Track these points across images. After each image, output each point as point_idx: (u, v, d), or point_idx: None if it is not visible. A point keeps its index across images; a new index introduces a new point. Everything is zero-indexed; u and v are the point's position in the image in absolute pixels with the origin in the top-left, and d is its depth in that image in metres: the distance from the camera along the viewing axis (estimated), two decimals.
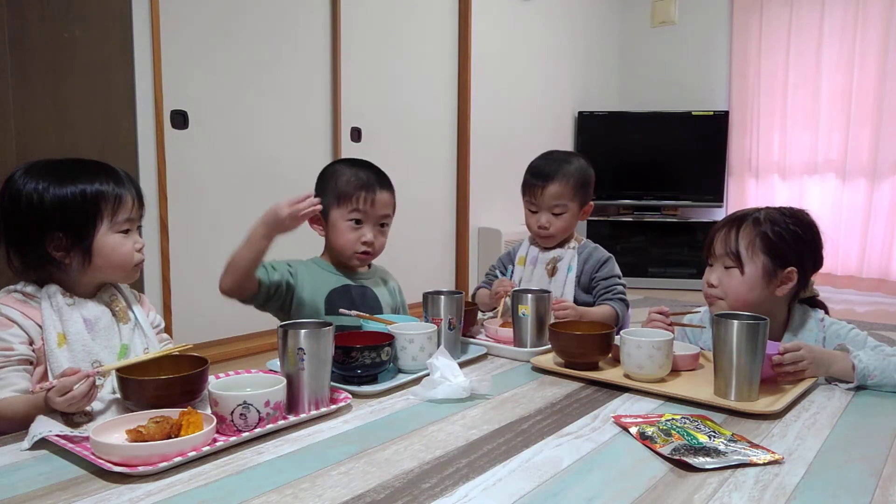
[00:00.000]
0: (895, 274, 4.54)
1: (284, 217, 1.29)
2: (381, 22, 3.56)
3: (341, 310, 1.39)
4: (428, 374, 1.16)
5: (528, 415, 1.07)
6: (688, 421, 1.00)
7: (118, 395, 1.03)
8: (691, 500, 0.79)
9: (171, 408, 0.94)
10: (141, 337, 1.18)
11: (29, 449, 0.90)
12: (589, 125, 5.11)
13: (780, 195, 4.87)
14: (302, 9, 3.16)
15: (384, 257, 1.58)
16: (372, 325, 1.33)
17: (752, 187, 5.06)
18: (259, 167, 3.00)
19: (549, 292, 1.46)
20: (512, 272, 1.81)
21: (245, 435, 0.93)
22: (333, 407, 1.05)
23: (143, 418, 0.91)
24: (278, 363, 1.06)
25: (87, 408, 1.00)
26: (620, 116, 5.18)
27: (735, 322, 1.10)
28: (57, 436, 0.89)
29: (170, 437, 0.87)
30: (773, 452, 0.90)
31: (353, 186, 1.48)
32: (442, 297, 1.36)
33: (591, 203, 1.82)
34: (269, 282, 1.41)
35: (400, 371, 1.26)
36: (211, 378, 1.04)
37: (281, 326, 1.04)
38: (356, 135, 3.45)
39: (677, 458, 0.88)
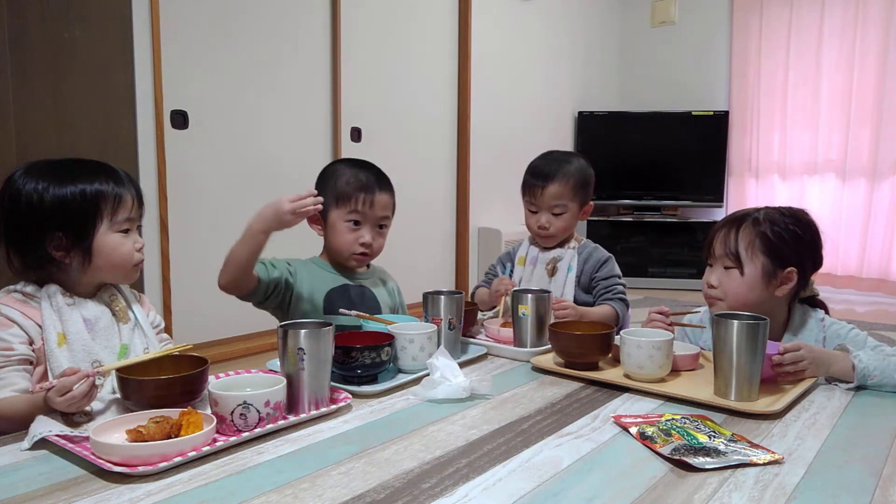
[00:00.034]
0: (895, 274, 4.55)
1: (286, 212, 1.29)
2: (381, 22, 3.56)
3: (341, 310, 1.39)
4: (428, 374, 1.16)
5: (528, 415, 1.07)
6: (688, 421, 1.00)
7: (118, 395, 1.03)
8: (691, 500, 0.79)
9: (171, 408, 0.94)
10: (141, 337, 1.18)
11: (29, 449, 0.90)
12: (589, 125, 5.11)
13: (780, 195, 4.87)
14: (302, 9, 3.16)
15: (384, 257, 1.58)
16: (372, 325, 1.33)
17: (752, 187, 5.06)
18: (259, 167, 3.00)
19: (549, 292, 1.46)
20: (511, 272, 1.81)
21: (245, 435, 0.93)
22: (333, 407, 1.05)
23: (143, 418, 0.91)
24: (278, 363, 1.06)
25: (87, 408, 1.00)
26: (620, 116, 5.18)
27: (735, 322, 1.10)
28: (57, 436, 0.89)
29: (170, 437, 0.87)
30: (773, 452, 0.90)
31: (352, 187, 1.48)
32: (442, 297, 1.36)
33: (591, 203, 1.82)
34: (269, 279, 1.41)
35: (400, 371, 1.26)
36: (211, 378, 1.04)
37: (281, 326, 1.04)
38: (356, 135, 3.45)
39: (677, 458, 0.88)
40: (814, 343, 1.30)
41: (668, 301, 4.13)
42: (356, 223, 1.49)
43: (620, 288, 1.75)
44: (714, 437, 0.95)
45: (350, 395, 1.10)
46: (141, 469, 0.81)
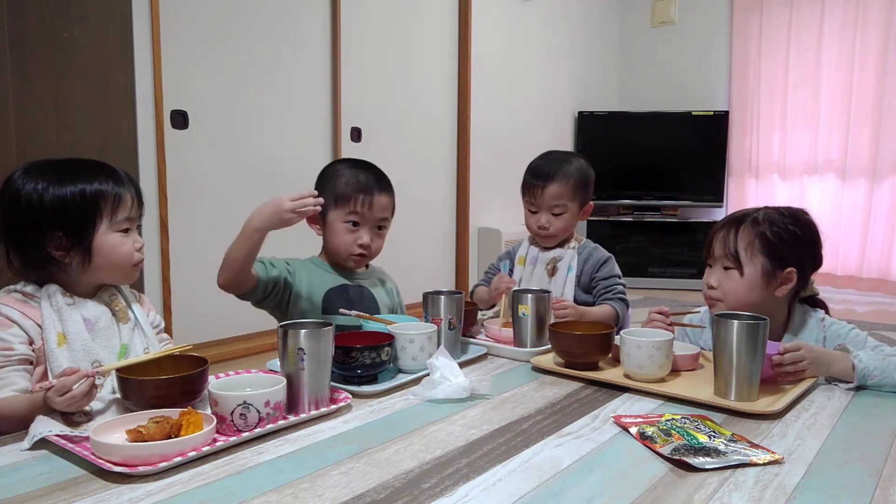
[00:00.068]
0: (895, 274, 4.55)
1: (286, 210, 1.29)
2: (381, 22, 3.56)
3: (341, 310, 1.39)
4: (428, 374, 1.16)
5: (528, 415, 1.07)
6: (688, 421, 1.00)
7: (118, 395, 1.03)
8: (691, 500, 0.79)
9: (171, 408, 0.94)
10: (141, 337, 1.18)
11: (29, 449, 0.90)
12: (589, 125, 5.11)
13: (780, 195, 4.87)
14: (302, 9, 3.16)
15: (384, 257, 1.58)
16: (372, 325, 1.33)
17: (752, 187, 5.06)
18: (259, 167, 3.00)
19: (549, 292, 1.46)
20: (511, 271, 1.81)
21: (245, 435, 0.93)
22: (333, 407, 1.05)
23: (143, 418, 0.91)
24: (278, 363, 1.06)
25: (87, 407, 1.00)
26: (620, 116, 5.18)
27: (735, 322, 1.10)
28: (57, 436, 0.89)
29: (170, 437, 0.87)
30: (773, 452, 0.90)
31: (351, 188, 1.48)
32: (442, 297, 1.36)
33: (591, 203, 1.82)
34: (267, 278, 1.41)
35: (400, 371, 1.26)
36: (211, 378, 1.04)
37: (281, 326, 1.04)
38: (356, 135, 3.45)
39: (677, 458, 0.88)
40: (814, 343, 1.30)
41: (668, 301, 4.13)
42: (355, 224, 1.49)
43: (620, 288, 1.75)
44: (714, 437, 0.95)
45: (350, 395, 1.10)
46: (141, 469, 0.81)
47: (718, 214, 4.96)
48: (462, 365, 1.27)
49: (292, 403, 1.02)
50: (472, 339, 1.50)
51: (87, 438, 0.87)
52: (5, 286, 1.13)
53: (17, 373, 1.04)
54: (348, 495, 0.79)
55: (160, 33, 2.60)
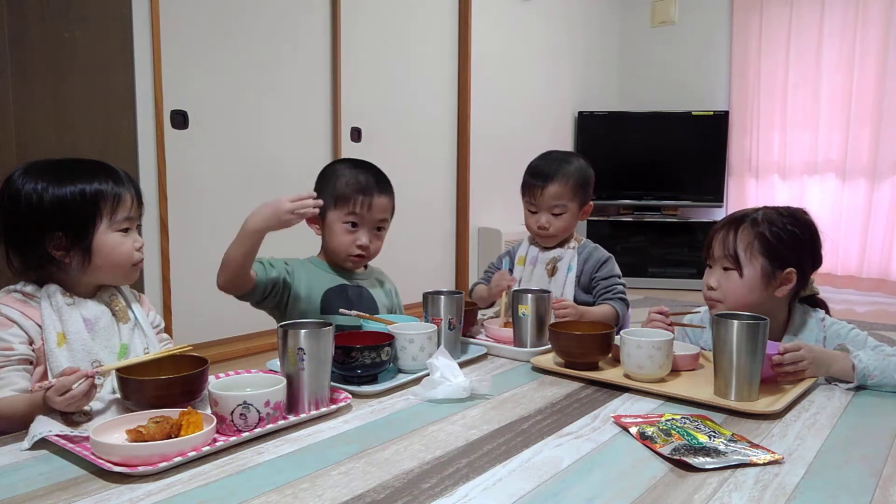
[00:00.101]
0: (895, 274, 4.55)
1: (286, 211, 1.29)
2: (381, 22, 3.56)
3: (341, 310, 1.39)
4: (428, 374, 1.16)
5: (528, 415, 1.07)
6: (688, 421, 1.00)
7: (118, 395, 1.03)
8: (691, 500, 0.79)
9: (171, 408, 0.94)
10: (141, 337, 1.18)
11: (29, 449, 0.90)
12: (589, 125, 5.11)
13: (780, 195, 4.87)
14: (302, 9, 3.16)
15: (384, 256, 1.58)
16: (372, 325, 1.33)
17: (752, 187, 5.06)
18: (259, 167, 3.00)
19: (549, 292, 1.46)
20: (511, 270, 1.81)
21: (245, 435, 0.93)
22: (333, 407, 1.05)
23: (143, 418, 0.91)
24: (278, 363, 1.06)
25: (87, 407, 0.99)
26: (620, 116, 5.18)
27: (735, 322, 1.10)
28: (57, 436, 0.89)
29: (170, 437, 0.87)
30: (773, 452, 0.90)
31: (351, 189, 1.48)
32: (442, 297, 1.36)
33: (591, 203, 1.82)
34: (267, 278, 1.41)
35: (400, 371, 1.26)
36: (211, 378, 1.04)
37: (281, 326, 1.04)
38: (356, 135, 3.45)
39: (677, 458, 0.88)
40: (814, 343, 1.30)
41: (668, 301, 4.13)
42: (354, 225, 1.49)
43: (620, 288, 1.75)
44: (714, 437, 0.95)
45: (350, 395, 1.10)
46: (141, 469, 0.81)
47: (718, 214, 4.96)
48: (462, 365, 1.27)
49: (292, 403, 1.02)
50: (472, 339, 1.50)
51: (87, 438, 0.87)
52: (5, 286, 1.13)
53: (16, 373, 1.04)
54: (348, 495, 0.79)
55: (160, 33, 2.60)
